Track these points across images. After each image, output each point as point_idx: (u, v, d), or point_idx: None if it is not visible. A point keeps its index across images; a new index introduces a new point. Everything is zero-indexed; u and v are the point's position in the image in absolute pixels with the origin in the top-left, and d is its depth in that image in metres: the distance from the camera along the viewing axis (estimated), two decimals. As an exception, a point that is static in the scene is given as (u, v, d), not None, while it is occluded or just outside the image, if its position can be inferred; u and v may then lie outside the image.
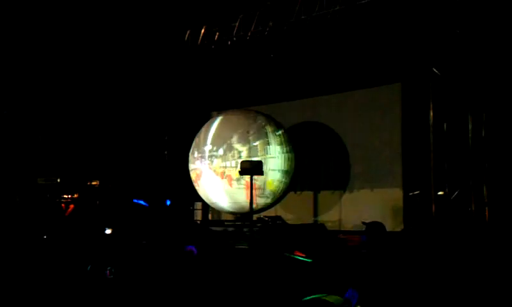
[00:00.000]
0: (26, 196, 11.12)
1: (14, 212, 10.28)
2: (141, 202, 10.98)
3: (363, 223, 5.71)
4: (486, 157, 8.63)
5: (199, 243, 3.94)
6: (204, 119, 11.74)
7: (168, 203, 10.58)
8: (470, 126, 8.76)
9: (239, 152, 10.44)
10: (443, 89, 9.17)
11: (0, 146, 11.69)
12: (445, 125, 9.22)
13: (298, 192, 11.76)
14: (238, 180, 10.29)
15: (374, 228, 5.61)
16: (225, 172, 10.48)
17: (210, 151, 10.73)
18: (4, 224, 8.80)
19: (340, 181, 11.41)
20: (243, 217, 10.71)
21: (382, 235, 5.59)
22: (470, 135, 8.76)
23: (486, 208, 8.53)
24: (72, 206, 11.12)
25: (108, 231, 9.09)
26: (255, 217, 10.42)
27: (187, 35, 11.33)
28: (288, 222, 10.84)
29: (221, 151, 10.57)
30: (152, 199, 11.53)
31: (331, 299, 2.90)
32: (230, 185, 10.45)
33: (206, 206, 12.57)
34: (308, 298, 2.79)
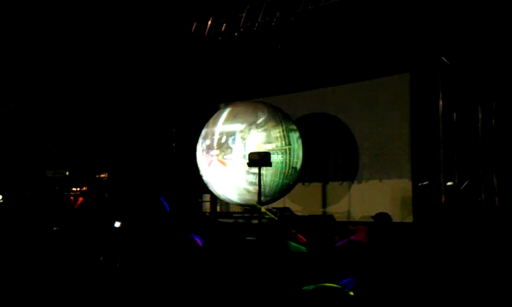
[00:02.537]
0: (35, 189, 11.17)
1: (23, 205, 10.32)
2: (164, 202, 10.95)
3: (372, 217, 5.70)
4: (496, 147, 8.56)
5: (206, 235, 3.92)
6: (212, 111, 11.72)
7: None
8: (479, 116, 8.69)
9: (247, 143, 10.42)
10: (453, 78, 9.10)
11: (9, 139, 11.74)
12: (454, 115, 9.15)
13: (306, 184, 11.74)
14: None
15: (380, 218, 5.59)
16: (231, 163, 10.49)
17: (218, 142, 10.72)
18: (13, 218, 8.84)
19: (348, 172, 11.37)
20: (251, 209, 10.70)
21: (388, 225, 5.57)
22: (479, 124, 8.69)
23: (496, 198, 8.47)
24: (80, 198, 11.16)
25: (117, 224, 9.08)
26: (263, 208, 10.41)
27: (194, 27, 11.29)
28: (297, 213, 10.83)
29: (228, 143, 10.55)
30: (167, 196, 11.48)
31: (330, 285, 2.92)
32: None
33: (214, 198, 12.58)
34: (308, 287, 2.79)
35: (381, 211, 5.88)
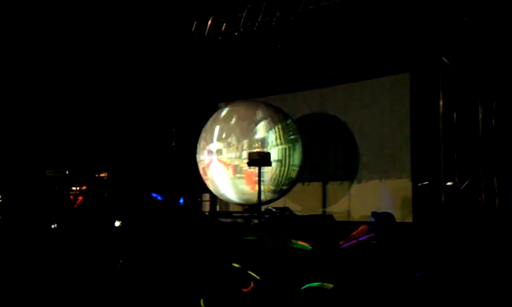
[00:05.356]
0: (35, 188, 11.16)
1: (22, 204, 10.31)
2: (157, 196, 10.96)
3: (373, 214, 5.68)
4: (496, 147, 8.55)
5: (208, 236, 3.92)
6: (211, 110, 11.71)
7: (181, 200, 10.56)
8: (480, 116, 8.68)
9: (247, 143, 10.41)
10: (453, 78, 9.09)
11: (8, 138, 11.73)
12: (455, 115, 9.15)
13: (306, 183, 11.73)
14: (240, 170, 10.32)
15: (384, 218, 5.58)
16: (231, 163, 10.48)
17: (217, 142, 10.71)
18: (13, 217, 8.84)
19: (348, 171, 11.37)
20: (251, 209, 10.70)
21: (392, 225, 5.56)
22: (480, 124, 8.68)
23: (496, 198, 8.46)
24: (80, 198, 11.15)
25: (117, 224, 9.09)
26: (262, 208, 10.40)
27: (194, 26, 11.29)
28: (297, 213, 10.82)
29: (228, 142, 10.55)
30: (165, 193, 11.50)
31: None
32: (234, 174, 10.50)
33: (214, 198, 12.57)
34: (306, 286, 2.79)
35: (382, 211, 5.86)
